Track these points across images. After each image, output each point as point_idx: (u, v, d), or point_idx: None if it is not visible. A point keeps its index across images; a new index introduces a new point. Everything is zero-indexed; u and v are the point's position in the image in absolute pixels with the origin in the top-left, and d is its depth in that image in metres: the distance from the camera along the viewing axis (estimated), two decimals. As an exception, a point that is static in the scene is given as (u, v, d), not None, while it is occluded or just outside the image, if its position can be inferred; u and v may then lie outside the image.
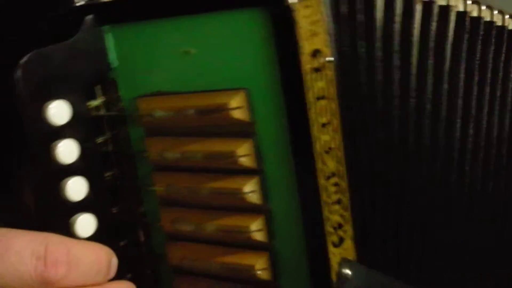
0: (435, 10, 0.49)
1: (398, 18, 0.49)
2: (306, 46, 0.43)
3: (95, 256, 0.46)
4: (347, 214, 0.47)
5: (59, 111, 0.47)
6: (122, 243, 0.52)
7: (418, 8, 0.49)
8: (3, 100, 0.48)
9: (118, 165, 0.52)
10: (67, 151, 0.47)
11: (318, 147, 0.44)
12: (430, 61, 0.49)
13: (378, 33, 0.48)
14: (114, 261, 0.48)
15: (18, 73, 0.45)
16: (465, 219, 0.51)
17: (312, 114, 0.43)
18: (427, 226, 0.50)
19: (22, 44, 0.49)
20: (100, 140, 0.51)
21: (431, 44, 0.49)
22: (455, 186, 0.50)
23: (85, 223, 0.48)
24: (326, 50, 0.44)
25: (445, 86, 0.49)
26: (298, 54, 0.42)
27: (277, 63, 0.43)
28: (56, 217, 0.47)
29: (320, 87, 0.44)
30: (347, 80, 0.47)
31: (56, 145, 0.47)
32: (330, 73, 0.45)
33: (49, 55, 0.47)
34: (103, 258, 0.46)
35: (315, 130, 0.44)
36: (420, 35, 0.49)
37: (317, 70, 0.44)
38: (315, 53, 0.44)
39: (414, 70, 0.49)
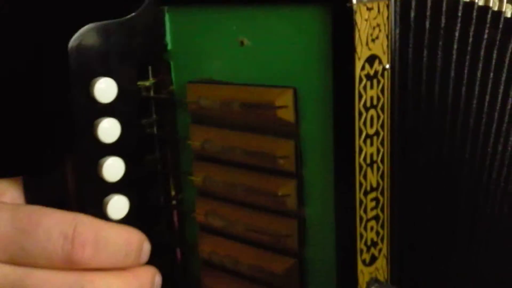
0: (489, 16, 0.45)
1: (457, 26, 0.46)
2: (363, 51, 0.40)
3: (125, 239, 0.45)
4: (384, 232, 0.44)
5: (106, 89, 0.46)
6: (155, 229, 0.52)
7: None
8: (55, 71, 0.48)
9: (161, 149, 0.52)
10: (109, 130, 0.47)
11: (361, 159, 0.41)
12: (479, 72, 0.46)
13: (441, 41, 0.45)
14: (146, 246, 0.47)
15: (72, 45, 0.45)
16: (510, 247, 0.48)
17: (359, 124, 0.41)
18: (469, 252, 0.47)
19: (82, 15, 0.49)
20: (145, 121, 0.50)
21: (482, 52, 0.46)
22: (501, 212, 0.47)
23: (119, 205, 0.48)
24: (384, 57, 0.42)
25: (487, 98, 0.46)
26: (353, 59, 0.40)
27: (331, 66, 0.41)
28: (91, 196, 0.47)
29: (371, 96, 0.41)
30: (406, 90, 0.44)
31: (99, 123, 0.46)
32: (385, 81, 0.42)
33: (106, 30, 0.46)
34: (134, 242, 0.46)
35: (360, 141, 0.41)
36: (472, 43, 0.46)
37: (371, 77, 0.41)
38: (372, 59, 0.41)
39: (465, 81, 0.46)
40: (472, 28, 0.45)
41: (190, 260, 0.53)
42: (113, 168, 0.48)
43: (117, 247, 0.45)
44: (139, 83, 0.49)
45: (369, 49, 0.41)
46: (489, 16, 0.45)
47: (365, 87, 0.41)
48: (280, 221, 0.45)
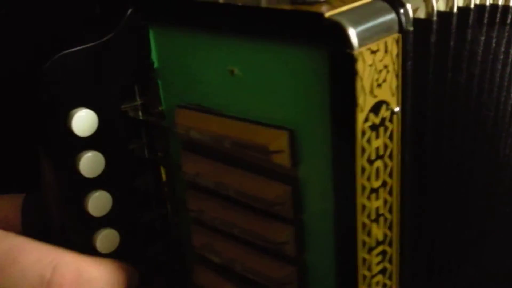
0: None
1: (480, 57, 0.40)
2: (367, 101, 0.35)
3: (109, 278, 0.43)
4: (391, 283, 0.40)
5: (85, 122, 0.42)
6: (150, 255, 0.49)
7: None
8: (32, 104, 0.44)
9: (154, 172, 0.48)
10: (92, 164, 0.43)
11: (364, 217, 0.37)
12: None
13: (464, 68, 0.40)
14: (133, 275, 0.45)
15: (43, 74, 0.41)
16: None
17: (362, 181, 0.36)
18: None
19: (60, 28, 0.44)
20: (134, 146, 0.46)
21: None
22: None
23: (108, 239, 0.45)
24: (393, 99, 0.36)
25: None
26: (355, 113, 0.34)
27: (329, 115, 0.36)
28: (78, 231, 0.44)
29: (377, 147, 0.36)
30: (422, 128, 0.39)
31: (80, 158, 0.42)
32: (393, 126, 0.37)
33: (80, 55, 0.42)
34: (118, 277, 0.43)
35: (363, 198, 0.36)
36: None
37: (376, 126, 0.36)
38: (378, 106, 0.35)
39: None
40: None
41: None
42: (99, 202, 0.44)
43: (99, 286, 0.42)
44: (125, 105, 0.45)
45: (374, 96, 0.35)
46: None
47: (369, 140, 0.35)
48: (279, 266, 0.42)
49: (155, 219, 0.48)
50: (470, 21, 0.39)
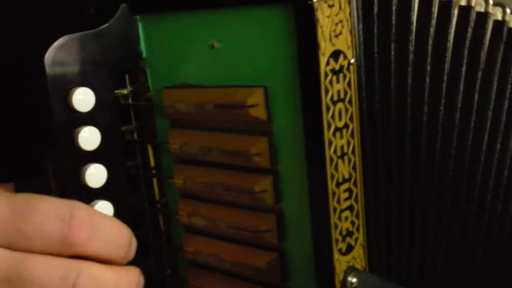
0: (472, 16, 0.47)
1: (433, 22, 0.48)
2: (327, 47, 0.42)
3: (118, 230, 0.46)
4: (359, 221, 0.46)
5: (84, 99, 0.47)
6: (141, 232, 0.53)
7: (455, 12, 0.48)
8: (33, 84, 0.49)
9: (142, 154, 0.53)
10: (90, 138, 0.48)
11: (331, 151, 0.43)
12: (463, 69, 0.47)
13: (412, 36, 0.47)
14: (134, 243, 0.48)
15: (47, 58, 0.47)
16: (484, 237, 0.49)
17: (328, 118, 0.42)
18: (444, 238, 0.48)
19: (56, 28, 0.50)
20: (125, 128, 0.52)
21: (466, 51, 0.47)
22: (477, 202, 0.48)
23: (104, 210, 0.49)
24: (349, 51, 0.44)
25: (476, 96, 0.47)
26: (317, 55, 0.41)
27: (296, 63, 0.42)
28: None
29: (338, 90, 0.43)
30: (373, 83, 0.46)
31: (79, 132, 0.48)
32: (350, 75, 0.44)
33: (81, 41, 0.48)
34: (125, 234, 0.47)
35: (329, 134, 0.43)
36: (454, 41, 0.48)
37: (336, 72, 0.43)
38: (336, 54, 0.43)
39: (445, 77, 0.48)
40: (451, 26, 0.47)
41: (177, 260, 0.54)
42: (96, 175, 0.49)
43: (111, 236, 0.45)
44: (117, 91, 0.51)
45: (333, 44, 0.42)
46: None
47: (331, 82, 0.42)
48: (259, 217, 0.47)
49: (143, 201, 0.53)
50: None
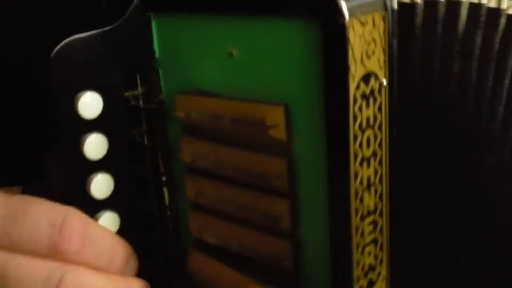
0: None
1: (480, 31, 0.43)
2: (358, 70, 0.37)
3: (111, 243, 0.44)
4: (383, 254, 0.42)
5: (91, 105, 0.44)
6: (148, 237, 0.50)
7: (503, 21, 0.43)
8: (39, 87, 0.46)
9: (153, 159, 0.50)
10: (96, 147, 0.45)
11: (357, 184, 0.39)
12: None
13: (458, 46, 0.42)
14: (133, 262, 0.46)
15: (54, 58, 0.43)
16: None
17: (355, 148, 0.38)
18: (470, 273, 0.45)
19: (65, 27, 0.47)
20: (135, 132, 0.48)
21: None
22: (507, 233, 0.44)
23: (108, 223, 0.46)
24: (381, 72, 0.39)
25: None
26: (347, 79, 0.37)
27: (322, 84, 0.38)
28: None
29: (368, 116, 0.39)
30: (408, 103, 0.42)
31: (85, 140, 0.44)
32: (381, 98, 0.39)
33: (89, 40, 0.44)
34: (119, 250, 0.45)
35: (356, 165, 0.39)
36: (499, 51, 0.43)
37: (367, 96, 0.38)
38: (368, 76, 0.38)
39: (488, 94, 0.43)
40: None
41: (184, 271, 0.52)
42: (102, 185, 0.46)
43: (103, 248, 0.43)
44: (127, 93, 0.47)
45: (364, 66, 0.38)
46: None
47: (360, 108, 0.38)
48: (275, 241, 0.43)
49: (153, 206, 0.50)
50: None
